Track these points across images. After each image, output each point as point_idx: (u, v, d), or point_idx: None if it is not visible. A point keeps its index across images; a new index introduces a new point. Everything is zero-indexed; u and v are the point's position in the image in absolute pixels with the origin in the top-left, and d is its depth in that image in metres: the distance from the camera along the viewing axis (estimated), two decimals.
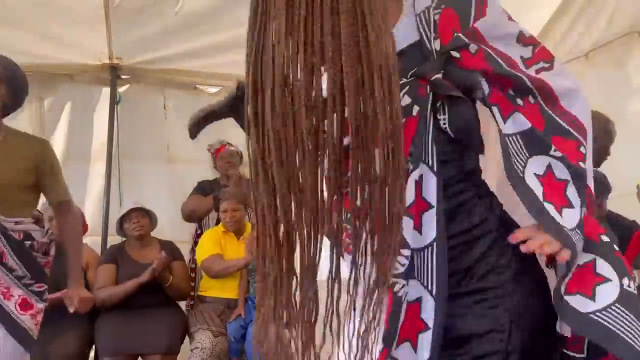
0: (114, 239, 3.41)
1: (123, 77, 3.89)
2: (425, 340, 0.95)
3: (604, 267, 0.95)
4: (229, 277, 3.06)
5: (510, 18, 1.06)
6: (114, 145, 3.74)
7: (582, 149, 1.02)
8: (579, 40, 3.45)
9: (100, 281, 2.97)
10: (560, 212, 0.95)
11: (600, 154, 2.35)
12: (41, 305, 2.03)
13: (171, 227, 3.74)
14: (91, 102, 3.87)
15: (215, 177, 3.66)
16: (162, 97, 4.03)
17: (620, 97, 3.28)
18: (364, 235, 0.76)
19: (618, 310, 0.91)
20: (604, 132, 2.33)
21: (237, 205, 3.14)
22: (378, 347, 0.89)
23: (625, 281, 0.94)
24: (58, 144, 3.69)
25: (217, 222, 3.32)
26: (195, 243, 3.36)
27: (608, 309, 0.92)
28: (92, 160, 3.85)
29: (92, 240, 3.53)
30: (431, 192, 0.97)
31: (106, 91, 3.84)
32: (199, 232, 3.45)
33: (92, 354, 2.94)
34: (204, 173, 3.81)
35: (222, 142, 3.66)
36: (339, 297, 0.76)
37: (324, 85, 0.72)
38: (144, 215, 3.16)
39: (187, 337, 3.01)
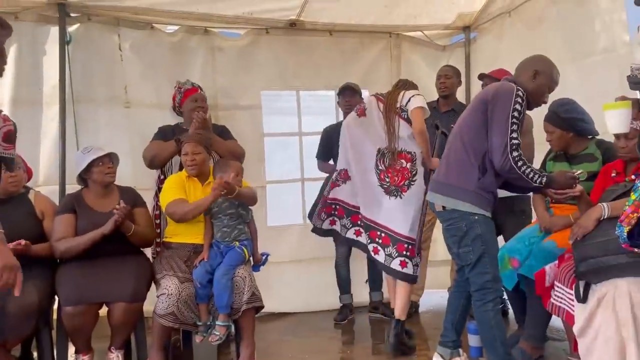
0: (71, 188, 3.25)
1: (72, 15, 3.64)
2: None
3: None
4: (194, 222, 2.94)
5: None
6: (66, 88, 3.53)
7: None
8: None
9: (59, 232, 2.82)
10: None
11: None
12: None
13: (133, 174, 3.61)
14: (39, 42, 3.61)
15: (176, 122, 3.49)
16: (116, 37, 3.79)
17: None
18: None
19: None
20: None
21: (198, 148, 3.00)
22: None
23: None
24: (5, 89, 3.47)
25: (181, 168, 3.19)
26: (159, 189, 3.22)
27: None
28: (44, 104, 3.63)
29: (49, 190, 3.39)
30: None
31: (55, 31, 3.58)
32: (162, 177, 3.31)
33: (55, 306, 2.84)
34: (164, 118, 3.65)
35: (194, 84, 3.48)
36: None
37: None
38: (114, 161, 3.01)
39: (153, 285, 2.93)
